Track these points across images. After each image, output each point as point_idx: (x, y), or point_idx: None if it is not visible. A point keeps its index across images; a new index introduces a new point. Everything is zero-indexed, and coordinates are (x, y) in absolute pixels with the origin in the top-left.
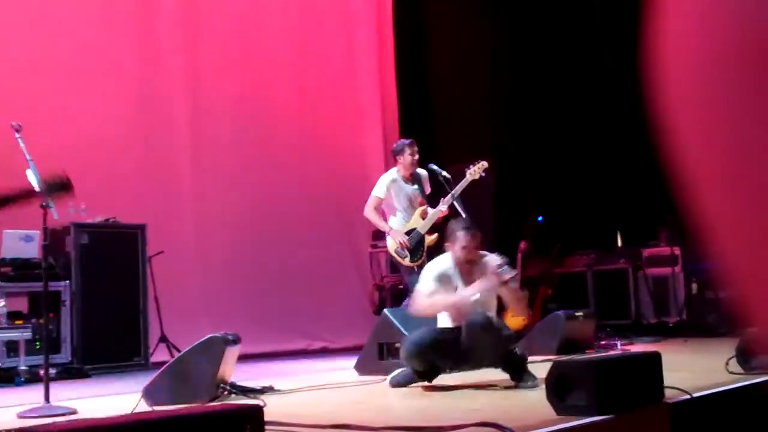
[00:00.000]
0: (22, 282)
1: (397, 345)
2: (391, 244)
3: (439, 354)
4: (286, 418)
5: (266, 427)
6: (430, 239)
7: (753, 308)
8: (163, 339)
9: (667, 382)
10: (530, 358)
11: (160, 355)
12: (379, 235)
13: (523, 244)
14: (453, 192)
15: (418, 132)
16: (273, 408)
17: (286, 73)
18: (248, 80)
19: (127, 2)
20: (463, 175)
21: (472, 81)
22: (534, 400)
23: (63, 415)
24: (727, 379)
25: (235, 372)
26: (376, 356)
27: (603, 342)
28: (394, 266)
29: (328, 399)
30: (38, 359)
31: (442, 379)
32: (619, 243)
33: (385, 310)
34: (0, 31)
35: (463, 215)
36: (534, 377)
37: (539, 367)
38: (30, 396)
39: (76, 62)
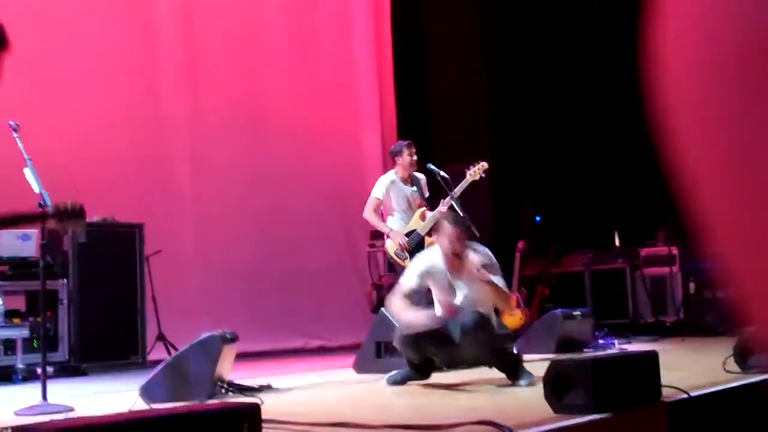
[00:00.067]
0: (19, 280)
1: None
2: (391, 245)
3: (434, 343)
4: (283, 416)
5: (264, 425)
6: (429, 241)
7: (751, 308)
8: (160, 337)
9: (664, 381)
10: (528, 357)
11: (158, 353)
12: (377, 235)
13: (521, 244)
14: (452, 193)
15: (416, 133)
16: (270, 406)
17: (285, 74)
18: (247, 81)
19: (126, 1)
20: (462, 176)
21: (469, 81)
22: (532, 399)
23: (60, 413)
24: (725, 378)
25: (232, 370)
26: (373, 355)
27: (600, 341)
28: (391, 265)
29: (325, 397)
30: (36, 357)
31: (440, 378)
32: (617, 243)
33: (383, 309)
34: None
35: (462, 216)
36: (530, 375)
37: (537, 366)
38: (27, 394)
39: (74, 61)
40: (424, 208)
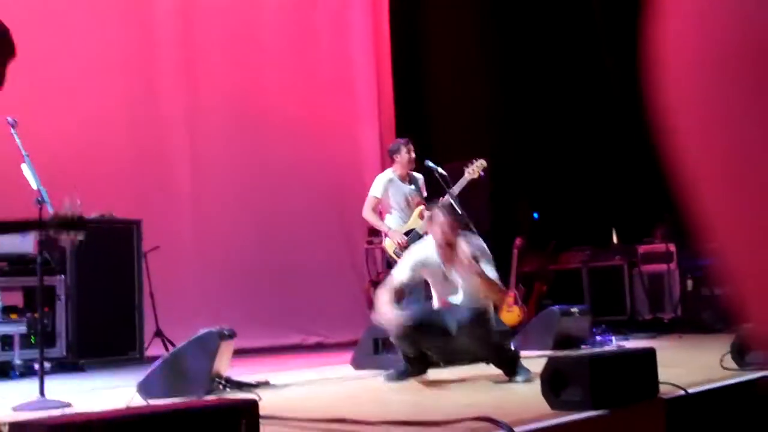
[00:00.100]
0: (17, 276)
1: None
2: (390, 244)
3: (429, 336)
4: (281, 412)
5: (261, 421)
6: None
7: (749, 305)
8: (158, 333)
9: (661, 377)
10: (525, 354)
11: (155, 349)
12: (375, 232)
13: (518, 241)
14: (451, 191)
15: (414, 131)
16: (268, 402)
17: (284, 71)
18: (246, 79)
19: None
20: (460, 174)
21: (468, 79)
22: (529, 395)
23: (58, 408)
24: (722, 375)
25: (230, 366)
26: (371, 351)
27: (598, 338)
28: (390, 263)
29: (323, 393)
30: (33, 353)
31: (438, 374)
32: (615, 240)
33: None
34: None
35: (460, 213)
36: (528, 371)
37: (534, 362)
38: (25, 390)
39: (72, 57)
40: (423, 206)
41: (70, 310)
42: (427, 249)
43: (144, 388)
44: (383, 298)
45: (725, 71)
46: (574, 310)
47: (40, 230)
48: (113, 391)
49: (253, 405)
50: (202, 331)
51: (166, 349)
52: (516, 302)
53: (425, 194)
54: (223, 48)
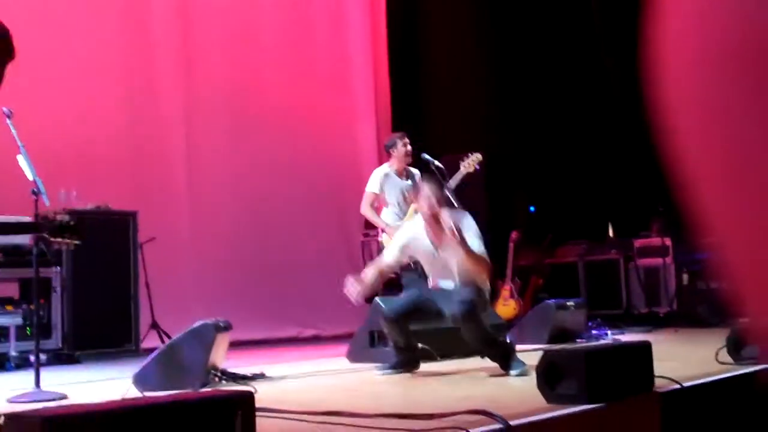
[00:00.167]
0: (12, 268)
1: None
2: (387, 240)
3: (419, 319)
4: (277, 404)
5: (257, 413)
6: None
7: (747, 301)
8: (154, 325)
9: (657, 371)
10: (521, 347)
11: (151, 341)
12: (371, 225)
13: (514, 234)
14: (447, 185)
15: (410, 123)
16: (264, 395)
17: (281, 66)
18: (242, 70)
19: None
20: (456, 167)
21: (464, 74)
22: (524, 389)
23: (53, 400)
24: (717, 369)
25: (226, 359)
26: (367, 344)
27: (593, 332)
28: None
29: (319, 386)
30: (29, 345)
31: (433, 367)
32: (611, 233)
33: (376, 299)
34: None
35: (456, 206)
36: (523, 364)
37: (530, 356)
38: (20, 381)
39: (68, 49)
40: None
41: (66, 301)
42: (416, 228)
43: (140, 380)
44: (365, 273)
45: (725, 71)
46: (570, 303)
47: (35, 234)
48: (109, 382)
49: (248, 397)
50: (198, 323)
51: (162, 341)
52: (512, 296)
53: None
54: (220, 42)
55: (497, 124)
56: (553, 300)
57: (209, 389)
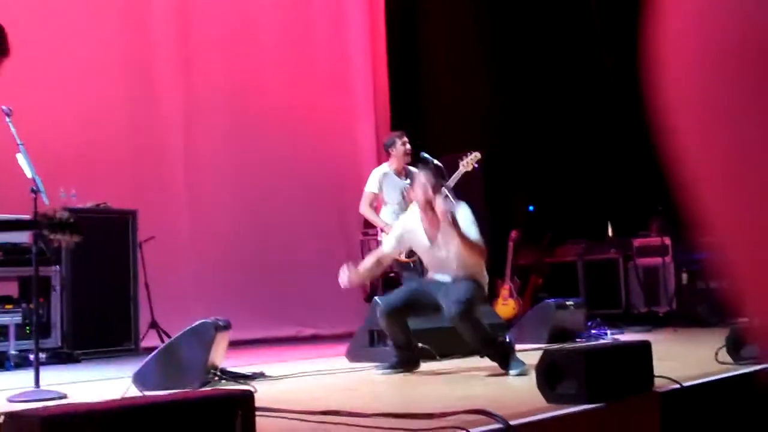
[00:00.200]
0: (12, 266)
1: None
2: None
3: (416, 313)
4: (276, 404)
5: (257, 413)
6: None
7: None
8: (153, 325)
9: (656, 371)
10: (521, 347)
11: (151, 340)
12: (371, 224)
13: (514, 234)
14: (447, 184)
15: (409, 122)
16: (264, 394)
17: (280, 66)
18: (241, 70)
19: None
20: (455, 166)
21: (463, 73)
22: (524, 388)
23: (53, 399)
24: (717, 369)
25: (225, 358)
26: (366, 343)
27: (593, 331)
28: None
29: (318, 385)
30: (28, 344)
31: (433, 367)
32: (610, 233)
33: (376, 298)
34: None
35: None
36: (523, 363)
37: (530, 355)
38: (20, 380)
39: (68, 47)
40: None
41: (66, 300)
42: (412, 220)
43: (139, 379)
44: (364, 262)
45: (725, 71)
46: (570, 303)
47: (34, 231)
48: (108, 382)
49: (248, 396)
50: (198, 322)
51: (162, 340)
52: (511, 295)
53: None
54: (219, 42)
55: (496, 123)
56: (553, 299)
57: (209, 388)
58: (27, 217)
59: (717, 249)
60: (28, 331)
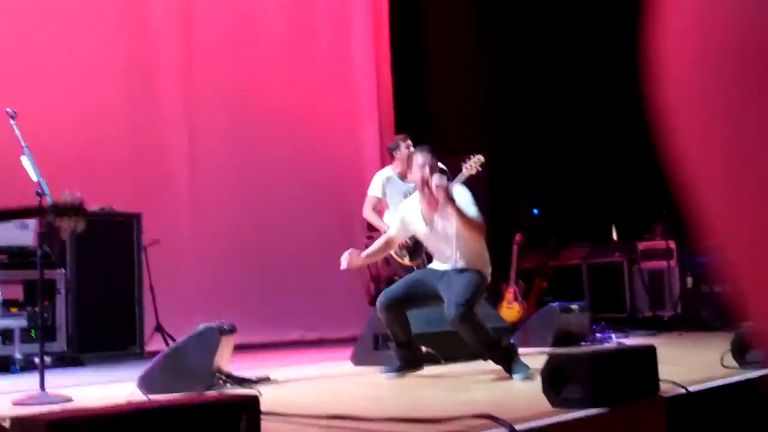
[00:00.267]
0: (17, 270)
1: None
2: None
3: (414, 304)
4: (282, 408)
5: (262, 416)
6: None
7: (751, 304)
8: (158, 328)
9: (662, 375)
10: (525, 351)
11: (156, 344)
12: (375, 227)
13: (518, 237)
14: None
15: (413, 126)
16: (269, 398)
17: (283, 69)
18: (243, 71)
19: None
20: (458, 170)
21: (467, 76)
22: (529, 393)
23: (58, 403)
24: (722, 374)
25: (230, 362)
26: (371, 347)
27: (598, 335)
28: (388, 259)
29: (324, 389)
30: (33, 347)
31: (438, 371)
32: (615, 236)
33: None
34: None
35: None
36: (527, 368)
37: (534, 359)
38: (25, 384)
39: (71, 49)
40: None
41: (71, 303)
42: (411, 205)
43: (144, 383)
44: (371, 245)
45: (725, 71)
46: (574, 306)
47: (40, 217)
48: (113, 385)
49: (254, 400)
50: (203, 326)
51: (167, 343)
52: (516, 299)
53: None
54: (222, 44)
55: (501, 126)
56: (558, 303)
57: (214, 392)
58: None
59: (720, 252)
60: (33, 335)
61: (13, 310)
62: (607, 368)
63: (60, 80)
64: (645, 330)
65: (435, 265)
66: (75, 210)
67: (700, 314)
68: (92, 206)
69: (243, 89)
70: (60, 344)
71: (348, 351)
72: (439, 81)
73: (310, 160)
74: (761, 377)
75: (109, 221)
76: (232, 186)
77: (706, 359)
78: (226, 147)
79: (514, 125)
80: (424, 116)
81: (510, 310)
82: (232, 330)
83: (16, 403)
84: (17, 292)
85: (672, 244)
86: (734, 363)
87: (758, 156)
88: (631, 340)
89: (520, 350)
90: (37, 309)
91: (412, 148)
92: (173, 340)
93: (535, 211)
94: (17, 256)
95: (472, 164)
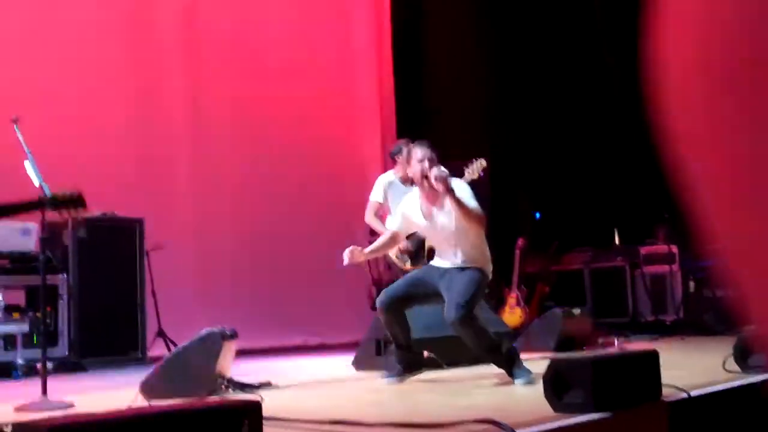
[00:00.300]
0: (19, 275)
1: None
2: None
3: (414, 301)
4: (284, 413)
5: (264, 422)
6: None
7: (752, 309)
8: (160, 333)
9: (664, 380)
10: (527, 356)
11: (158, 349)
12: (377, 232)
13: (520, 241)
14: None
15: (415, 131)
16: (271, 403)
17: (285, 71)
18: (248, 79)
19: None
20: (460, 174)
21: (469, 78)
22: (531, 397)
23: (60, 409)
24: (725, 378)
25: (233, 367)
26: (373, 352)
27: (600, 340)
28: (389, 264)
29: (325, 395)
30: (35, 353)
31: (440, 375)
32: (617, 241)
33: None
34: (0, 25)
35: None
36: (529, 372)
37: (537, 364)
38: (27, 390)
39: (75, 55)
40: None
41: (73, 309)
42: (411, 197)
43: (146, 389)
44: (376, 241)
45: (726, 71)
46: (576, 311)
47: (40, 210)
48: (115, 391)
49: (256, 406)
50: (205, 331)
51: (169, 349)
52: (518, 303)
53: None
54: (224, 48)
55: (502, 130)
56: (560, 308)
57: (216, 398)
58: (33, 224)
59: (722, 255)
60: (35, 341)
61: (15, 315)
62: (609, 373)
63: (64, 87)
64: (647, 334)
65: (436, 262)
66: (74, 200)
67: (702, 318)
68: (95, 212)
69: (246, 95)
70: (62, 350)
71: (350, 356)
72: (442, 85)
73: (313, 166)
74: (764, 382)
75: (111, 226)
76: (235, 192)
77: (709, 364)
78: (229, 154)
79: (514, 126)
80: (426, 120)
81: (512, 315)
82: (233, 335)
83: (18, 409)
84: (19, 298)
85: (674, 248)
86: (737, 367)
87: (761, 159)
88: (634, 345)
89: (523, 355)
90: (39, 314)
91: None
92: (175, 345)
93: (538, 215)
94: (19, 262)
95: (474, 169)
